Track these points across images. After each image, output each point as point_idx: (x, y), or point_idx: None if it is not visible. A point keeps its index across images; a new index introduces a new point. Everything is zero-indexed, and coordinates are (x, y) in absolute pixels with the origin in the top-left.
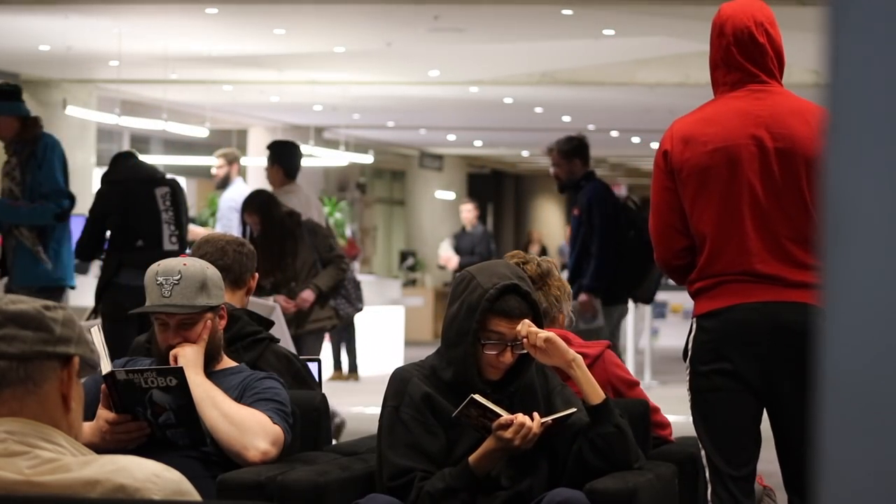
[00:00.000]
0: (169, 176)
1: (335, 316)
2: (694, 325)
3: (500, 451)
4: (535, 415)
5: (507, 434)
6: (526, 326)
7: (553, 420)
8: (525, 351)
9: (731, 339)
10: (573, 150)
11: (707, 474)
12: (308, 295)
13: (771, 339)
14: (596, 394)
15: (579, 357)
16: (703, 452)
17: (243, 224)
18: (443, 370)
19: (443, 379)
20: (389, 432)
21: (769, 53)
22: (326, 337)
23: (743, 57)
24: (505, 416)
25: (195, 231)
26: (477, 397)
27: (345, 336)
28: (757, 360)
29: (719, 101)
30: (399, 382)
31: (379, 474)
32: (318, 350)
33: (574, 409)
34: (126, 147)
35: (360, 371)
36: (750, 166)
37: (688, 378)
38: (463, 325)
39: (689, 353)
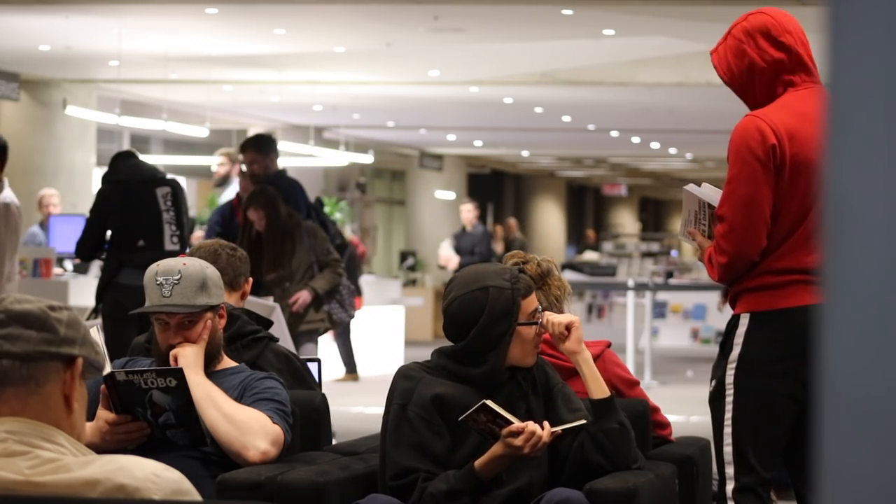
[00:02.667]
0: (169, 176)
1: (328, 319)
2: (747, 320)
3: (507, 457)
4: (546, 423)
5: (517, 442)
6: (546, 317)
7: (563, 430)
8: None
9: (801, 340)
10: (270, 146)
11: (729, 471)
12: (305, 296)
13: None
14: (601, 389)
15: (588, 352)
16: (727, 449)
17: (243, 221)
18: (462, 370)
19: (460, 377)
20: (395, 431)
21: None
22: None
23: (811, 54)
24: (516, 423)
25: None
26: (489, 403)
27: (339, 339)
28: None
29: (802, 98)
30: (407, 381)
31: (381, 472)
32: (311, 351)
33: (584, 421)
34: (126, 147)
35: (360, 371)
36: None
37: (732, 372)
38: (498, 329)
39: (741, 347)
